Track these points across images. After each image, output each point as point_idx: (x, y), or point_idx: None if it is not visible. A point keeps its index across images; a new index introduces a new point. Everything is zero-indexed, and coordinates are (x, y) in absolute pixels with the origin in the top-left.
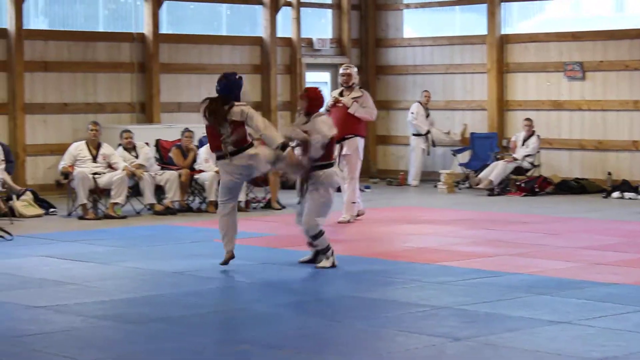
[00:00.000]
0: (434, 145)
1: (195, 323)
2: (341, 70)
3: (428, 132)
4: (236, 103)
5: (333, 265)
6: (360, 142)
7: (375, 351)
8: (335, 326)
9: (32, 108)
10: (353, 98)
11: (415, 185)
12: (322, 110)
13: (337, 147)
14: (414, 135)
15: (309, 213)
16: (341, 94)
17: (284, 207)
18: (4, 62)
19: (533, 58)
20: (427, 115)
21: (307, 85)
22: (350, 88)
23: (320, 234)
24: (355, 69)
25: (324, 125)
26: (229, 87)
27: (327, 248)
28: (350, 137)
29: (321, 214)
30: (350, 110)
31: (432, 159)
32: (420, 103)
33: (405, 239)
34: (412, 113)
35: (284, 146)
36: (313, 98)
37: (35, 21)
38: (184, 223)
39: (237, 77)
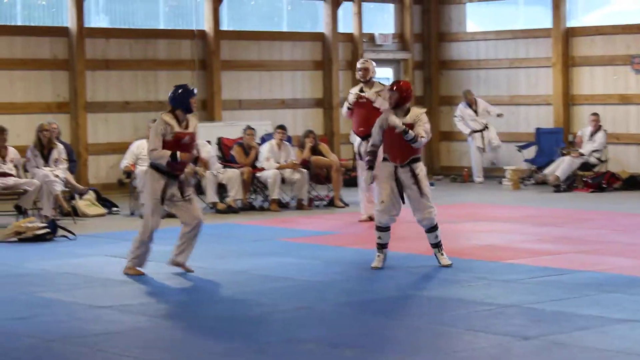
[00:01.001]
0: (489, 148)
1: (259, 322)
2: (358, 65)
3: (484, 128)
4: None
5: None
6: None
7: (441, 350)
8: (399, 325)
9: (94, 107)
10: (376, 92)
11: (479, 182)
12: (344, 109)
13: (363, 144)
14: (469, 133)
15: (424, 205)
16: (361, 90)
17: (347, 205)
18: (65, 60)
19: (599, 51)
20: (477, 114)
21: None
22: (369, 83)
23: (437, 226)
24: (374, 63)
25: (427, 125)
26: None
27: (440, 243)
28: None
29: (431, 202)
30: (377, 105)
31: (496, 155)
32: (467, 103)
33: (471, 237)
34: (456, 116)
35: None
36: (403, 90)
37: (96, 19)
38: (246, 222)
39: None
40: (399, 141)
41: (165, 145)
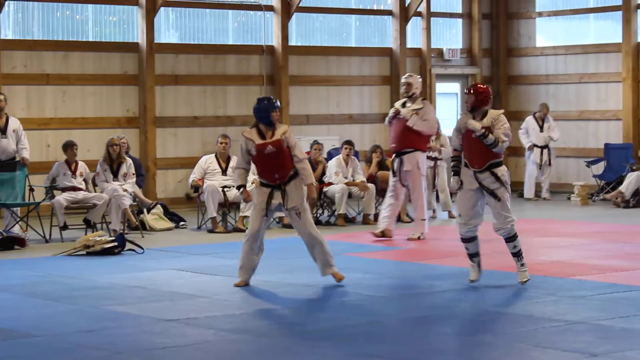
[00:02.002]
0: (549, 163)
1: (326, 336)
2: (402, 79)
3: (545, 146)
4: None
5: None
6: (421, 156)
7: None
8: (467, 341)
9: (163, 121)
10: (413, 110)
11: (529, 197)
12: (386, 122)
13: (396, 161)
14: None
15: (502, 214)
16: (404, 105)
17: (413, 220)
18: (135, 75)
19: None
20: (541, 130)
21: (437, 96)
22: (412, 98)
23: (517, 235)
24: (419, 78)
25: (506, 125)
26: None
27: (521, 251)
28: (410, 152)
29: (511, 211)
30: (409, 123)
31: (564, 170)
32: (534, 116)
33: (539, 252)
34: (521, 129)
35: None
36: (480, 93)
37: (166, 35)
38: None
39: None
40: (477, 145)
41: (253, 159)
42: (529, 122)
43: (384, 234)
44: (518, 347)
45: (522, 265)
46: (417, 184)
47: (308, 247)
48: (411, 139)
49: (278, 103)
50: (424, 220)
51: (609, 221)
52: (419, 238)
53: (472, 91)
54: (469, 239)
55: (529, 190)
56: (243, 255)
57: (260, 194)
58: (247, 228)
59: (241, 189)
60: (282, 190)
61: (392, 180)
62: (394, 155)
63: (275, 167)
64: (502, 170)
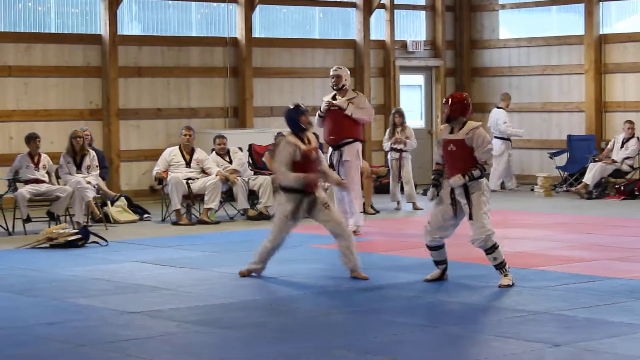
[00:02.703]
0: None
1: (290, 328)
2: (331, 72)
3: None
4: None
5: (512, 284)
6: (359, 146)
7: (472, 357)
8: (430, 331)
9: (126, 113)
10: (347, 99)
11: (511, 187)
12: (316, 117)
13: (335, 153)
14: (502, 139)
15: (475, 224)
16: (334, 98)
17: (378, 212)
18: (98, 68)
19: (632, 58)
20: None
21: (400, 88)
22: (342, 90)
23: (496, 247)
24: (347, 71)
25: (489, 146)
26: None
27: (503, 263)
28: (349, 142)
29: (486, 222)
30: (347, 112)
31: (528, 162)
32: (502, 107)
33: (502, 243)
34: (506, 122)
35: None
36: (454, 103)
37: (129, 27)
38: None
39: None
40: (458, 159)
41: (296, 165)
42: (505, 115)
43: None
44: (481, 338)
45: (506, 275)
46: (355, 174)
47: (340, 243)
48: (350, 129)
49: (303, 107)
50: (361, 212)
51: (572, 212)
52: (355, 232)
53: (447, 101)
54: (434, 248)
55: (510, 180)
56: (263, 256)
57: (290, 201)
58: (211, 220)
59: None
60: (312, 194)
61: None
62: (331, 148)
63: (316, 172)
64: (475, 185)
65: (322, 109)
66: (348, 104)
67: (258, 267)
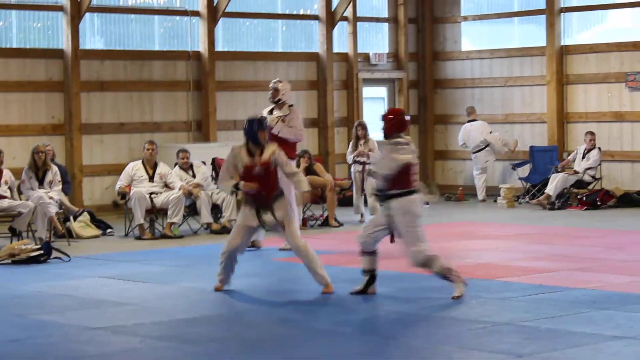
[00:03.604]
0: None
1: (253, 342)
2: (270, 85)
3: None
4: None
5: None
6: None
7: None
8: (393, 344)
9: (89, 128)
10: (278, 117)
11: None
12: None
13: None
14: (480, 151)
15: (408, 245)
16: (271, 112)
17: (341, 225)
18: (60, 82)
19: (594, 69)
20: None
21: (364, 101)
22: (279, 104)
23: (432, 259)
24: (287, 85)
25: (386, 157)
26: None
27: (449, 270)
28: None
29: (420, 239)
30: (274, 131)
31: (491, 173)
32: (475, 120)
33: (465, 255)
34: (491, 132)
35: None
36: (387, 120)
37: (91, 41)
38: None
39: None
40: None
41: (241, 178)
42: (485, 125)
43: (253, 244)
44: (443, 350)
45: (453, 282)
46: (286, 192)
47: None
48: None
49: (266, 123)
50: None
51: (535, 223)
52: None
53: (382, 118)
54: (367, 253)
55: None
56: (224, 268)
57: (246, 211)
58: (174, 234)
59: (237, 185)
60: (270, 206)
61: None
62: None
63: (262, 187)
64: (401, 202)
65: None
66: (277, 121)
67: (220, 277)
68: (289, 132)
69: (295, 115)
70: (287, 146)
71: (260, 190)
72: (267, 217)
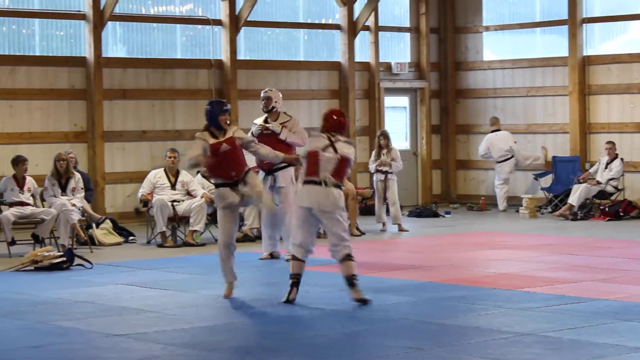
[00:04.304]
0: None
1: (274, 350)
2: (262, 94)
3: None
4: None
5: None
6: (292, 171)
7: None
8: (416, 353)
9: (111, 136)
10: (281, 123)
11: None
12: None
13: (269, 179)
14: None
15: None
16: (266, 121)
17: (363, 234)
18: (83, 90)
19: (616, 79)
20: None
21: (385, 110)
22: (273, 113)
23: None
24: (278, 93)
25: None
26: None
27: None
28: (283, 167)
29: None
30: (282, 137)
31: (513, 183)
32: (499, 129)
33: (487, 265)
34: (516, 142)
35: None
36: (324, 118)
37: (113, 49)
38: (262, 250)
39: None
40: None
41: (208, 162)
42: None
43: (272, 256)
44: (466, 359)
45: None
46: (290, 200)
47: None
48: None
49: (228, 106)
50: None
51: (557, 234)
52: (270, 256)
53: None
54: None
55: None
56: (223, 264)
57: (222, 195)
58: (196, 242)
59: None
60: (244, 181)
61: None
62: (263, 173)
63: (231, 164)
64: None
65: (254, 133)
66: (282, 127)
67: (226, 278)
68: (295, 137)
69: (295, 121)
70: (291, 152)
71: (229, 169)
72: (244, 189)
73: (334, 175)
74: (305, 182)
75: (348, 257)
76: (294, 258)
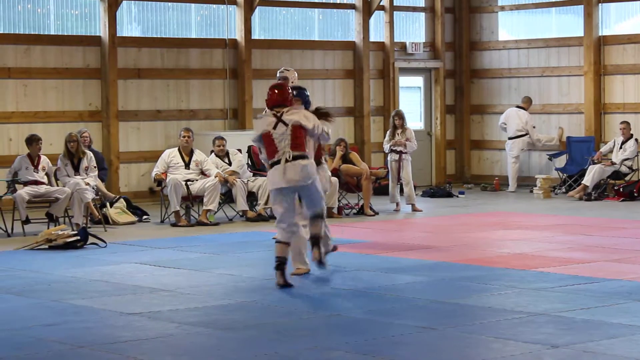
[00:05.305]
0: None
1: (288, 329)
2: (278, 74)
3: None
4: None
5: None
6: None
7: (470, 358)
8: (429, 333)
9: (126, 115)
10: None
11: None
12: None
13: None
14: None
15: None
16: None
17: (377, 213)
18: (97, 69)
19: (631, 59)
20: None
21: (400, 90)
22: None
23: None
24: (294, 73)
25: None
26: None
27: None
28: None
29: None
30: None
31: (527, 164)
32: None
33: (501, 245)
34: (535, 127)
35: None
36: (266, 97)
37: (128, 28)
38: (276, 229)
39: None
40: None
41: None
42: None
43: None
44: (479, 339)
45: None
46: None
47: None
48: None
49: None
50: None
51: (571, 214)
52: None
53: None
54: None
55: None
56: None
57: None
58: (210, 222)
59: None
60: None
61: None
62: None
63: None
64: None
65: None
66: None
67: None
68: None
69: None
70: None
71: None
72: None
73: (296, 147)
74: (271, 166)
75: (318, 216)
76: (279, 242)
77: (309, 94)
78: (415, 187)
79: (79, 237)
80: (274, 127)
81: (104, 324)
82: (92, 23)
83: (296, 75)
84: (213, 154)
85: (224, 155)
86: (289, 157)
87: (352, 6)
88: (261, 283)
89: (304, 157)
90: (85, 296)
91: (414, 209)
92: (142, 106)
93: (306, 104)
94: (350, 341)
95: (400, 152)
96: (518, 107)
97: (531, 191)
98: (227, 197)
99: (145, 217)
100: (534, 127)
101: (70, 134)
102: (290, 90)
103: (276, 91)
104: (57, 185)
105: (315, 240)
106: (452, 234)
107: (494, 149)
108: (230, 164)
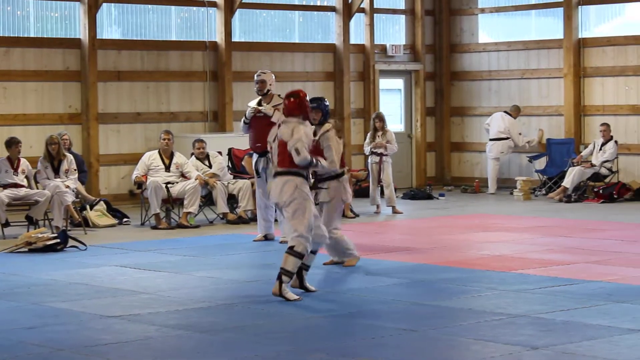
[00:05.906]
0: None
1: (268, 332)
2: (255, 77)
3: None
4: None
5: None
6: None
7: None
8: (410, 335)
9: (105, 118)
10: (274, 106)
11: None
12: (241, 124)
13: (261, 161)
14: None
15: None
16: (259, 104)
17: (357, 216)
18: (77, 72)
19: (611, 62)
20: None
21: (380, 92)
22: (267, 96)
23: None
24: (272, 76)
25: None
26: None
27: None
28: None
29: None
30: (274, 119)
31: (507, 166)
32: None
33: (481, 247)
34: (520, 134)
35: None
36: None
37: (108, 31)
38: (256, 232)
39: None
40: None
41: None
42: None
43: (266, 238)
44: (459, 341)
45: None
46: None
47: None
48: None
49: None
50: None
51: (551, 216)
52: (264, 238)
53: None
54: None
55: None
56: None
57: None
58: (190, 224)
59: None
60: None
61: (258, 182)
62: (256, 155)
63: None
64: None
65: (247, 116)
66: (274, 110)
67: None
68: None
69: None
70: None
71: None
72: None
73: (282, 163)
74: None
75: (289, 250)
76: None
77: (328, 103)
78: (395, 189)
79: (58, 240)
80: (273, 140)
81: (84, 327)
82: (71, 25)
83: (274, 77)
84: (193, 156)
85: (204, 157)
86: (274, 172)
87: (332, 8)
88: (241, 285)
89: (288, 173)
90: (65, 299)
91: (395, 211)
92: (122, 108)
93: (325, 115)
94: (330, 343)
95: (380, 155)
96: (506, 112)
97: (511, 193)
98: (208, 200)
99: (125, 219)
100: (519, 134)
101: (51, 136)
102: (307, 100)
103: (292, 99)
104: (37, 188)
105: (279, 274)
106: (432, 236)
107: (474, 151)
108: (210, 166)
